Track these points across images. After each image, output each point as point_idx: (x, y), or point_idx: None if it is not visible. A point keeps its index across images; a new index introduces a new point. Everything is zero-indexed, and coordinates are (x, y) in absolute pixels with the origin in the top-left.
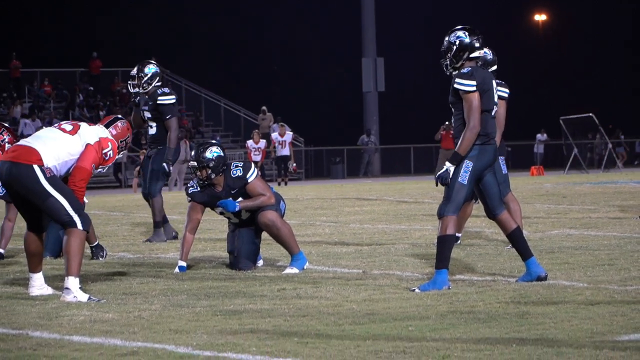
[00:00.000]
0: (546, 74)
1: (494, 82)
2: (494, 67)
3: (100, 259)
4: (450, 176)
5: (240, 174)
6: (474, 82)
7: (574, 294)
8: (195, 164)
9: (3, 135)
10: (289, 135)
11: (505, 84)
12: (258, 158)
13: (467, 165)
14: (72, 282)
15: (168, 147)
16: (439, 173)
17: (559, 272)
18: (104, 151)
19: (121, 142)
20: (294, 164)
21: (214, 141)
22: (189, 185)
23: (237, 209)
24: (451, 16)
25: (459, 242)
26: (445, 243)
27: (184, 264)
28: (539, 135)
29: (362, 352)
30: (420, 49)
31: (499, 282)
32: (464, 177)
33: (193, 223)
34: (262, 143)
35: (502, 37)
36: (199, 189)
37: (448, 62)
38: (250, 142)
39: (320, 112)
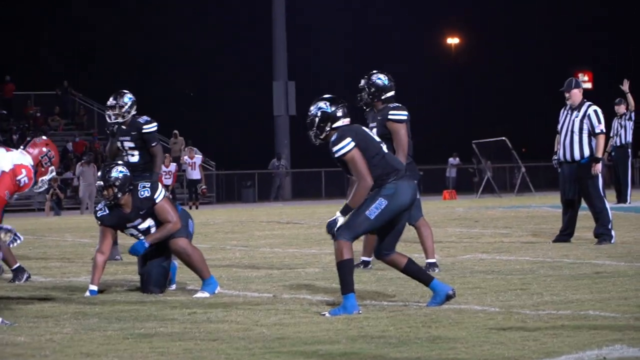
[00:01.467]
0: (459, 97)
1: (363, 128)
2: (392, 93)
3: (18, 282)
4: (338, 225)
5: (148, 195)
6: (349, 139)
7: (485, 318)
8: (102, 183)
9: None
10: (198, 157)
11: (403, 106)
12: (169, 182)
13: (380, 202)
14: None
15: (154, 172)
16: (328, 221)
17: (471, 296)
18: (18, 178)
19: (42, 157)
20: (204, 187)
21: (119, 161)
22: (97, 208)
23: (147, 246)
24: (364, 41)
25: (370, 266)
26: (344, 268)
27: (95, 287)
28: (451, 159)
29: None
30: (332, 72)
31: (410, 306)
32: (372, 211)
33: (104, 247)
34: (173, 166)
35: (415, 60)
36: (107, 211)
37: (313, 134)
38: None
39: (231, 136)
